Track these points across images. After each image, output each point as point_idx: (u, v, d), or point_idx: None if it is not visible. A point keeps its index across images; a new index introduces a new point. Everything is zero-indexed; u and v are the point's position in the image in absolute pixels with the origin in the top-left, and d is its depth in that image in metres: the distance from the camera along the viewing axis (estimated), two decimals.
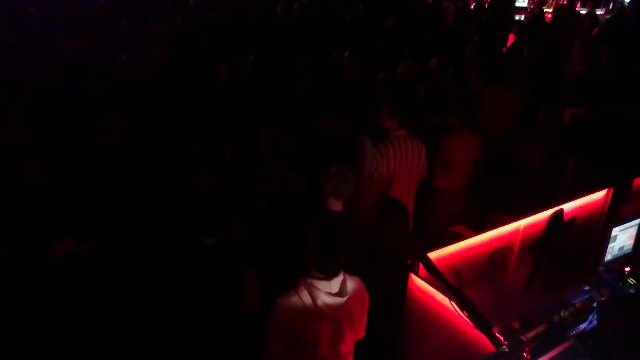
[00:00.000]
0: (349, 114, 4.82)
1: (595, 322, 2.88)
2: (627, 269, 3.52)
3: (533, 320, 2.89)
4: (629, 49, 6.90)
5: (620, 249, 3.64)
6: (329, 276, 2.70)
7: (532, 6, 11.17)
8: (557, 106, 5.03)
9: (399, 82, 5.72)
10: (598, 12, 10.68)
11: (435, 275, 2.68)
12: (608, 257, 3.58)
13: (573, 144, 4.91)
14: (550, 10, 10.75)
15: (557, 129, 4.89)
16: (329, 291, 2.68)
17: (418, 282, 2.94)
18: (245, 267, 3.12)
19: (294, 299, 2.67)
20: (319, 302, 2.65)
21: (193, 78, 5.62)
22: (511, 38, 8.48)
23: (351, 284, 2.78)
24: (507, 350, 2.37)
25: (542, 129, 4.79)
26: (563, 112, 5.25)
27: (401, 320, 3.08)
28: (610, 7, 11.85)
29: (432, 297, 2.87)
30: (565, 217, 3.56)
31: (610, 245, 3.56)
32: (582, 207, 3.78)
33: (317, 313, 2.66)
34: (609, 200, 3.96)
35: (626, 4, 10.82)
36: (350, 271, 2.82)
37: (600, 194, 3.93)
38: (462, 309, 2.50)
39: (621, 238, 3.62)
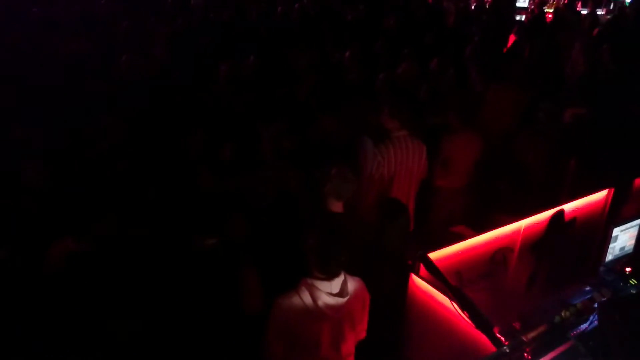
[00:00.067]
0: (350, 114, 4.81)
1: (596, 322, 2.87)
2: (628, 269, 3.51)
3: (534, 320, 2.88)
4: (630, 49, 6.90)
5: (621, 249, 3.64)
6: (330, 276, 2.69)
7: (532, 6, 11.19)
8: (557, 106, 5.01)
9: (400, 83, 5.71)
10: (599, 12, 10.68)
11: (436, 276, 2.67)
12: (609, 257, 3.57)
13: (574, 144, 4.91)
14: (551, 10, 10.77)
15: (558, 129, 4.89)
16: (329, 291, 2.68)
17: (419, 282, 2.93)
18: (246, 268, 3.11)
19: (295, 300, 2.66)
20: (320, 303, 2.65)
21: (194, 78, 5.62)
22: (512, 38, 8.48)
23: (352, 284, 2.78)
24: (507, 350, 2.36)
25: (543, 129, 4.78)
26: (564, 112, 5.25)
27: (402, 320, 3.08)
28: (611, 7, 11.86)
29: (432, 298, 2.86)
30: (566, 218, 3.56)
31: (611, 245, 3.55)
32: (583, 208, 3.77)
33: (318, 313, 2.66)
34: (609, 201, 3.95)
35: (627, 4, 10.84)
36: (351, 271, 2.82)
37: (601, 194, 3.93)
38: (462, 309, 2.49)
39: (622, 238, 3.61)
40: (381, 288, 3.02)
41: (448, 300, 2.66)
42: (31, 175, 3.65)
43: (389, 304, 3.07)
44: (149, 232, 3.21)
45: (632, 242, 3.68)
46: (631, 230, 3.65)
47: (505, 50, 8.23)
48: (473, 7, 10.67)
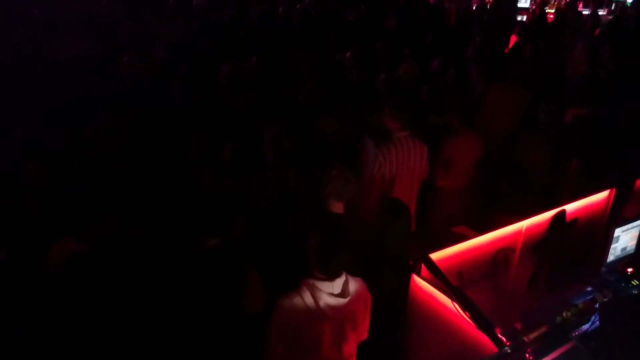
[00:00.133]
0: (351, 114, 4.81)
1: (597, 323, 2.87)
2: (629, 269, 3.50)
3: (535, 321, 2.87)
4: (631, 50, 6.89)
5: (623, 249, 3.63)
6: (331, 277, 2.69)
7: (534, 7, 11.20)
8: (559, 107, 5.01)
9: (401, 83, 5.71)
10: (600, 13, 10.68)
11: (438, 276, 2.67)
12: (610, 257, 3.56)
13: (575, 144, 4.90)
14: (553, 10, 10.77)
15: (559, 130, 4.88)
16: (331, 292, 2.67)
17: (420, 283, 2.92)
18: (247, 268, 3.11)
19: (296, 300, 2.66)
20: (321, 303, 2.64)
21: (195, 79, 5.62)
22: (513, 39, 8.48)
23: (353, 284, 2.77)
24: (509, 351, 2.35)
25: (544, 129, 4.77)
26: (565, 113, 5.25)
27: (403, 321, 3.07)
28: (613, 7, 11.86)
29: (434, 298, 2.85)
30: (568, 218, 3.55)
31: (612, 246, 3.55)
32: (584, 208, 3.77)
33: (320, 314, 2.65)
34: (611, 201, 3.94)
35: (628, 5, 10.84)
36: (353, 272, 2.81)
37: (602, 195, 3.92)
38: (464, 309, 2.49)
39: (624, 239, 3.60)
40: (382, 288, 3.02)
41: (449, 300, 2.65)
42: (31, 175, 3.65)
43: (390, 304, 3.07)
44: (149, 232, 3.21)
45: (634, 242, 3.67)
46: (633, 230, 3.64)
47: (506, 50, 8.23)
48: (474, 8, 10.66)
